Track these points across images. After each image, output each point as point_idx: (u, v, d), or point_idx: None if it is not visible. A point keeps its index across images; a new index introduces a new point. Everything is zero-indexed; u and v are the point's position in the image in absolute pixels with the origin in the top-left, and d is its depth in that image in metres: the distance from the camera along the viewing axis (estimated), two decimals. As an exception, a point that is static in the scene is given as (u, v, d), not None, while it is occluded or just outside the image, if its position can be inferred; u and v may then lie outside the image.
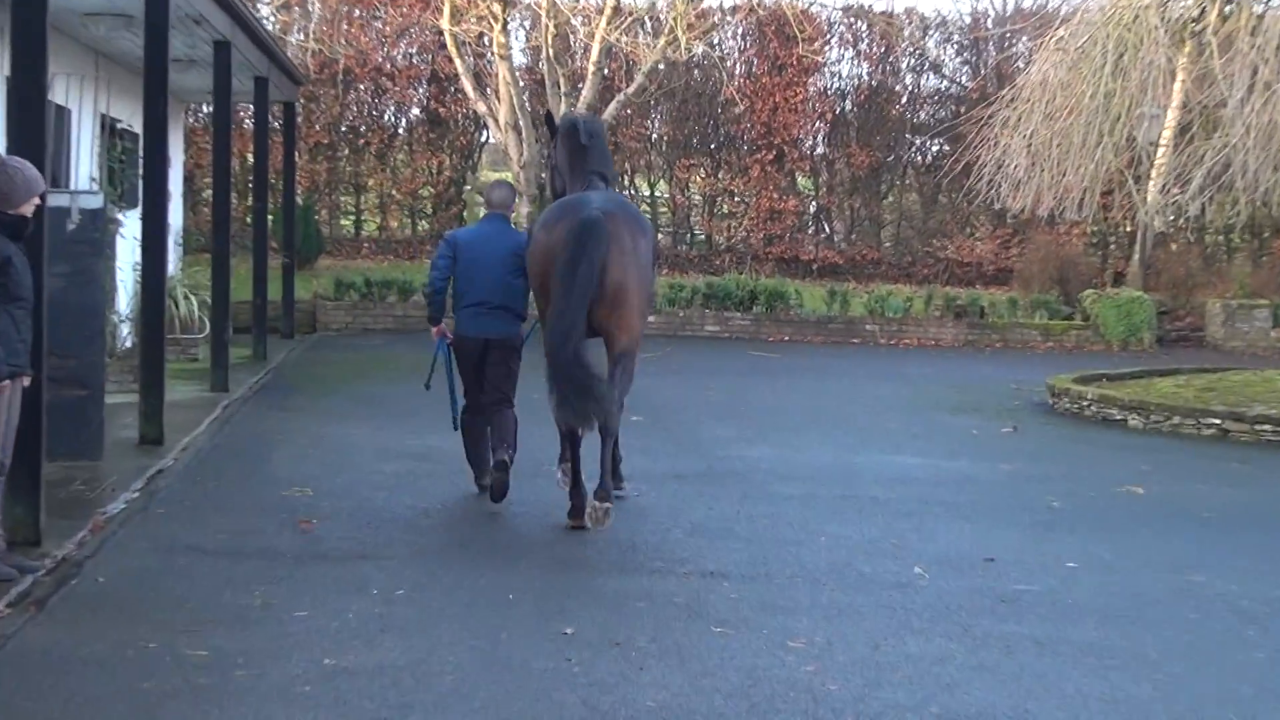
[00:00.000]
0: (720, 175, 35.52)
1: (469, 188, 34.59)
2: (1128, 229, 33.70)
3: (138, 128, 17.38)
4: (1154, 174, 29.03)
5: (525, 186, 27.81)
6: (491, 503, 10.81)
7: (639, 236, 10.20)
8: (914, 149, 36.51)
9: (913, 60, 36.45)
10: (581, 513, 10.14)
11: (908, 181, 36.82)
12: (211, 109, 21.08)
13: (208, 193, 26.39)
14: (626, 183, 35.56)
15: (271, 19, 32.06)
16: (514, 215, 13.06)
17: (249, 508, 10.78)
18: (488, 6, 28.27)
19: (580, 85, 29.34)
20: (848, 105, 35.87)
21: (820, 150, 36.36)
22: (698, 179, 35.58)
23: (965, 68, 36.71)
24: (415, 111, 34.64)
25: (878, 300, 27.52)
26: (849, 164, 35.67)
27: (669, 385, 19.17)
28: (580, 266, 9.73)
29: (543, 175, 25.73)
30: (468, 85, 29.47)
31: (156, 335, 13.20)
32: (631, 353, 10.20)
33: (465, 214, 34.22)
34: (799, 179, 36.56)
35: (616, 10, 29.13)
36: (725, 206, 35.72)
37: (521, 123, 27.78)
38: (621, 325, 10.09)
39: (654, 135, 36.05)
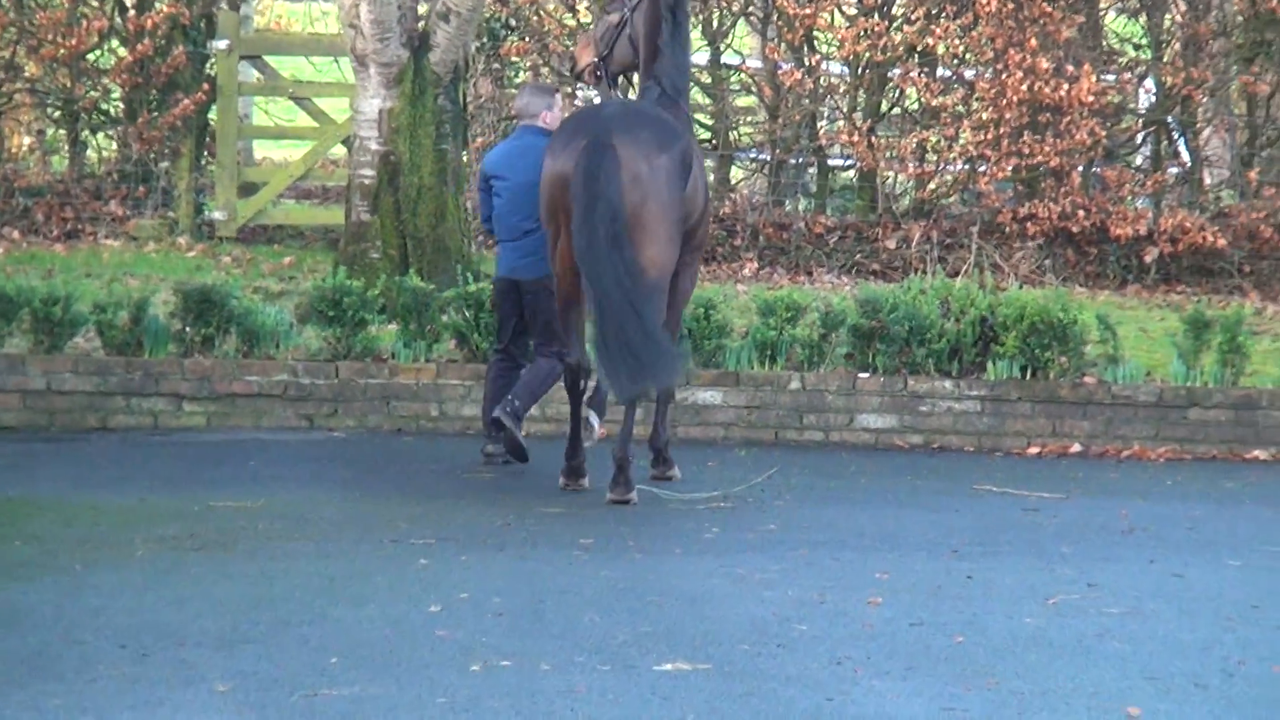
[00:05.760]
0: (895, 9, 18.31)
1: (223, 46, 17.42)
2: None
3: None
4: None
5: (371, 42, 14.04)
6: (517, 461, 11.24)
7: (654, 155, 10.37)
8: None
9: None
10: (579, 475, 10.62)
11: None
12: None
13: None
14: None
15: None
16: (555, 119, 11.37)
17: None
18: None
19: None
20: None
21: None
22: (833, 20, 18.47)
23: None
24: None
25: (1323, 346, 15.98)
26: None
27: (768, 580, 9.32)
28: (598, 205, 10.15)
29: (444, 23, 15.00)
30: None
31: None
32: (662, 288, 10.43)
33: (214, 110, 17.50)
34: (1109, 18, 19.70)
35: None
36: (909, 94, 18.84)
37: None
38: (645, 259, 10.52)
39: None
